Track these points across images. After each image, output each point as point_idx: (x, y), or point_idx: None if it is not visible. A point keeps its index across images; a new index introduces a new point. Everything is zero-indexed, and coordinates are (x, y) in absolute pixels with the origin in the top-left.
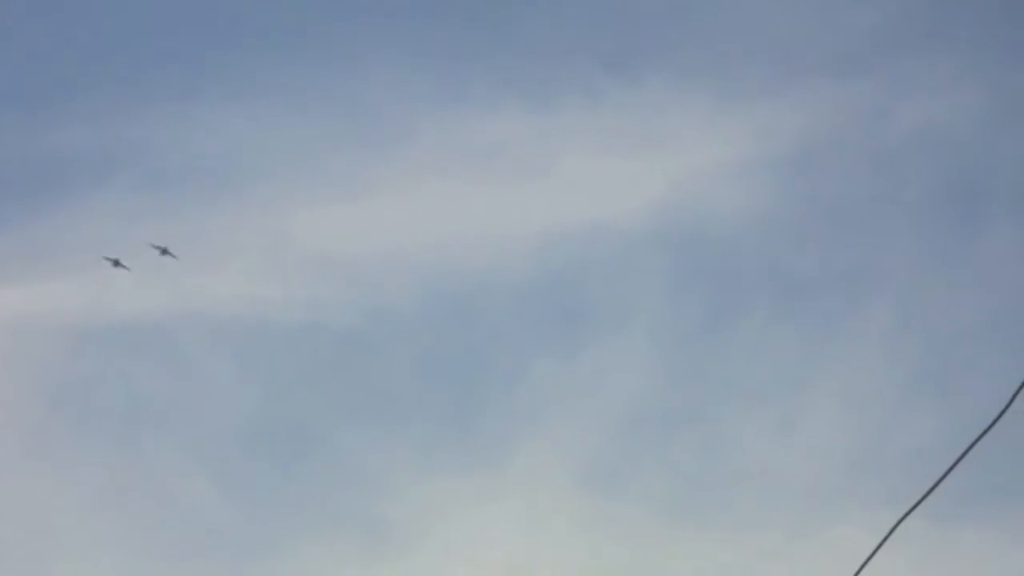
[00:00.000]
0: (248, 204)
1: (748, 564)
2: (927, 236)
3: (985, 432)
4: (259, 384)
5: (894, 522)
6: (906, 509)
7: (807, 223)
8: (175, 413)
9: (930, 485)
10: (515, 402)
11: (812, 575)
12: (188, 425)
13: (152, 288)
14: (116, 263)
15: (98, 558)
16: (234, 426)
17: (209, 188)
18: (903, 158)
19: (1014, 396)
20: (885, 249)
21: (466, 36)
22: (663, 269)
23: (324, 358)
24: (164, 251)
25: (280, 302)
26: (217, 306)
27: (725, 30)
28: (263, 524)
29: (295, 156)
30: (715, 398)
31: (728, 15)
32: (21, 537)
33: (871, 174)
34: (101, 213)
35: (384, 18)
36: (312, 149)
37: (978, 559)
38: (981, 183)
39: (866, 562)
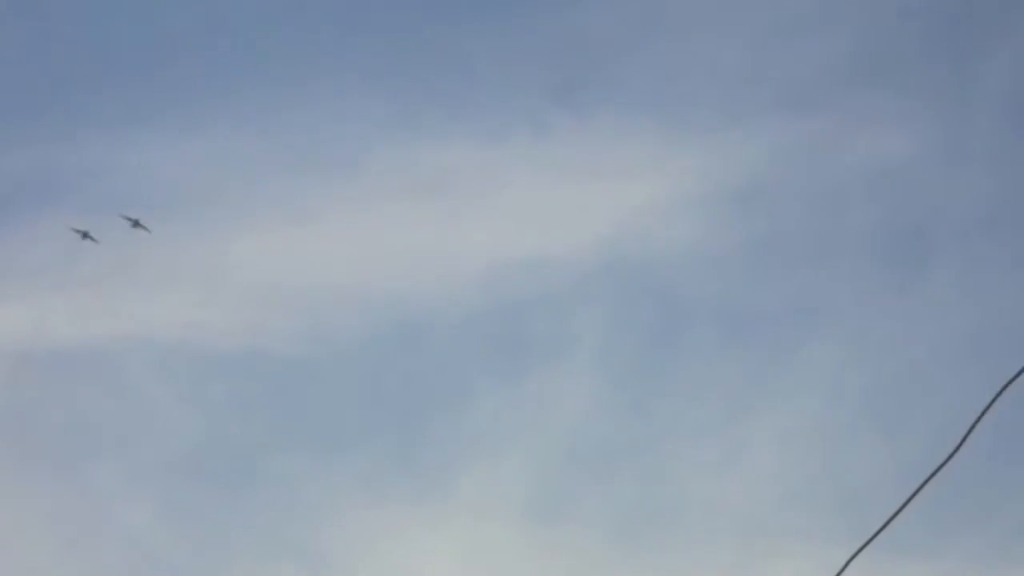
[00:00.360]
0: (191, 230)
1: None
2: (875, 273)
3: (938, 469)
4: (200, 411)
5: (838, 558)
6: (849, 545)
7: (755, 258)
8: (115, 440)
9: (874, 521)
10: (459, 431)
11: None
12: (128, 452)
13: (93, 314)
14: (85, 235)
15: None
16: (175, 453)
17: (151, 213)
18: (852, 194)
19: (968, 433)
20: (833, 285)
21: (414, 65)
22: (609, 301)
23: (266, 385)
24: (136, 223)
25: (222, 329)
26: (158, 333)
27: (675, 64)
28: (203, 551)
29: (238, 181)
30: (659, 430)
31: (678, 50)
32: None
33: (820, 210)
34: (40, 238)
35: (331, 46)
36: (256, 175)
37: None
38: (931, 221)
39: None
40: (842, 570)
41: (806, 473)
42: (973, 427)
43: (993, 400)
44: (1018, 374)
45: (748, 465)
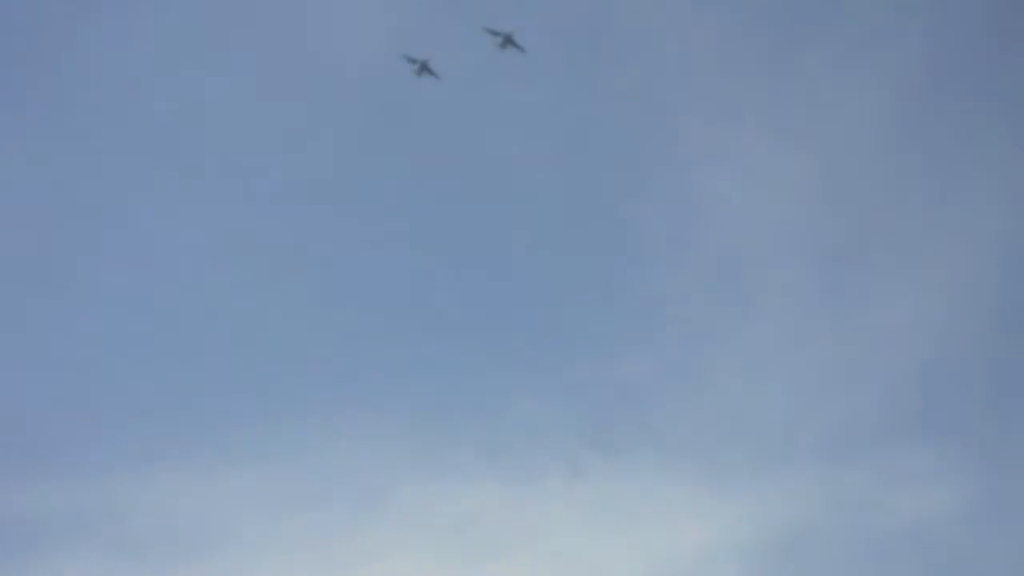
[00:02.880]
0: (219, 567)
1: None
2: None
3: None
4: None
5: None
6: None
7: None
8: None
9: None
10: None
11: None
12: None
13: None
14: (423, 68)
15: None
16: None
17: (179, 551)
18: (893, 548)
19: None
20: None
21: (447, 405)
22: None
23: None
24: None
25: None
26: None
27: (711, 411)
28: None
29: (265, 520)
30: None
31: (714, 397)
32: None
33: (860, 561)
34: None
35: (361, 382)
36: (280, 510)
37: None
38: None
39: None
40: None
41: None
42: None
43: None
44: None
45: None
